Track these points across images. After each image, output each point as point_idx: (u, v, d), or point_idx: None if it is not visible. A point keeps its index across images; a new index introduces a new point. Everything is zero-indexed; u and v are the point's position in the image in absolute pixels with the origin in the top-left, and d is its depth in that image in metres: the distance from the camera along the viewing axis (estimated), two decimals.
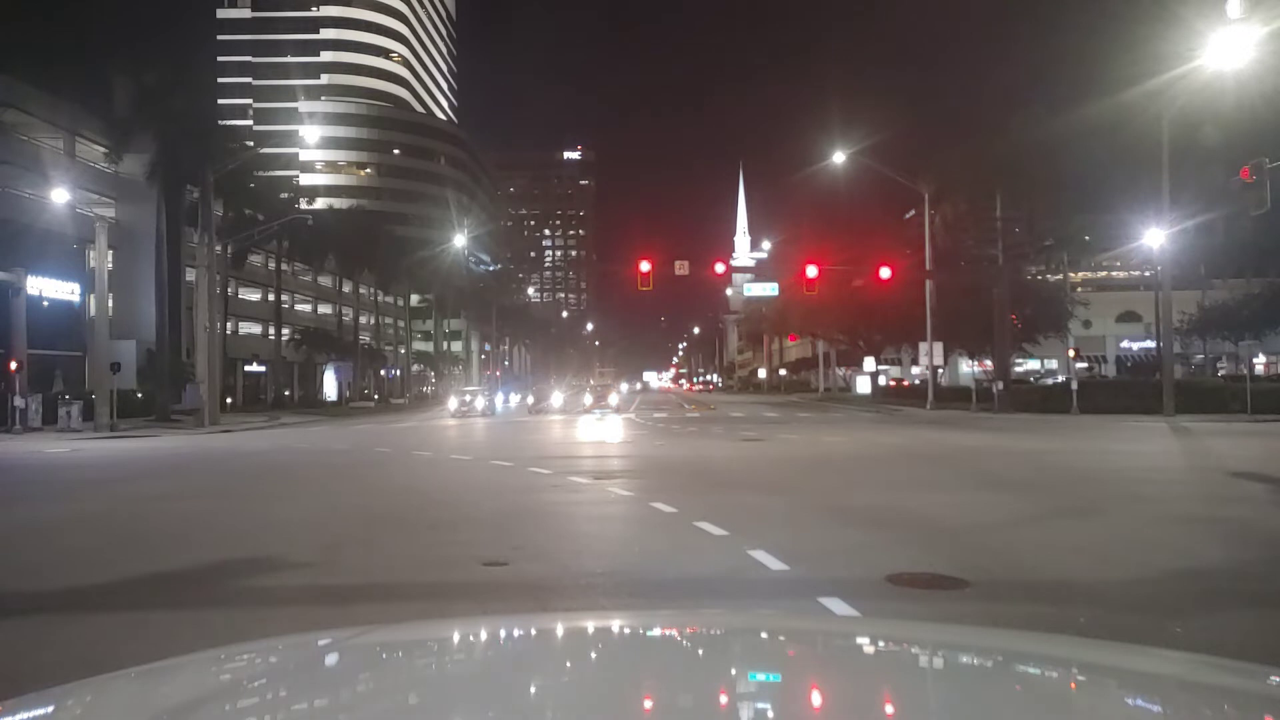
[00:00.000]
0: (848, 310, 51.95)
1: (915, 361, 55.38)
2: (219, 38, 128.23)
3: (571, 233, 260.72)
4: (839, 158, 41.08)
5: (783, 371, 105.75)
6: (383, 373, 78.23)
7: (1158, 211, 32.15)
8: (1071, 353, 42.55)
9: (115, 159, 39.14)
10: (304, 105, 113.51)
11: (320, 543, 8.80)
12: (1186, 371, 52.79)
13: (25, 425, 31.02)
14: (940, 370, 46.58)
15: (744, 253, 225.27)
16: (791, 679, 1.84)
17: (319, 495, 13.32)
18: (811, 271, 37.70)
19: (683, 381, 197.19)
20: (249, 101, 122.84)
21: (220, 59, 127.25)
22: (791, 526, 9.39)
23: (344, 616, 5.93)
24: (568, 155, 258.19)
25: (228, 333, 49.55)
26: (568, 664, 2.03)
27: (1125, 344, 66.52)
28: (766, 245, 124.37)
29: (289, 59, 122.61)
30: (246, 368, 58.44)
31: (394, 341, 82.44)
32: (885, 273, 37.77)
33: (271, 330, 58.36)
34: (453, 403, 47.58)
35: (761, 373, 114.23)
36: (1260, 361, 56.58)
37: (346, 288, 74.35)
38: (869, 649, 2.11)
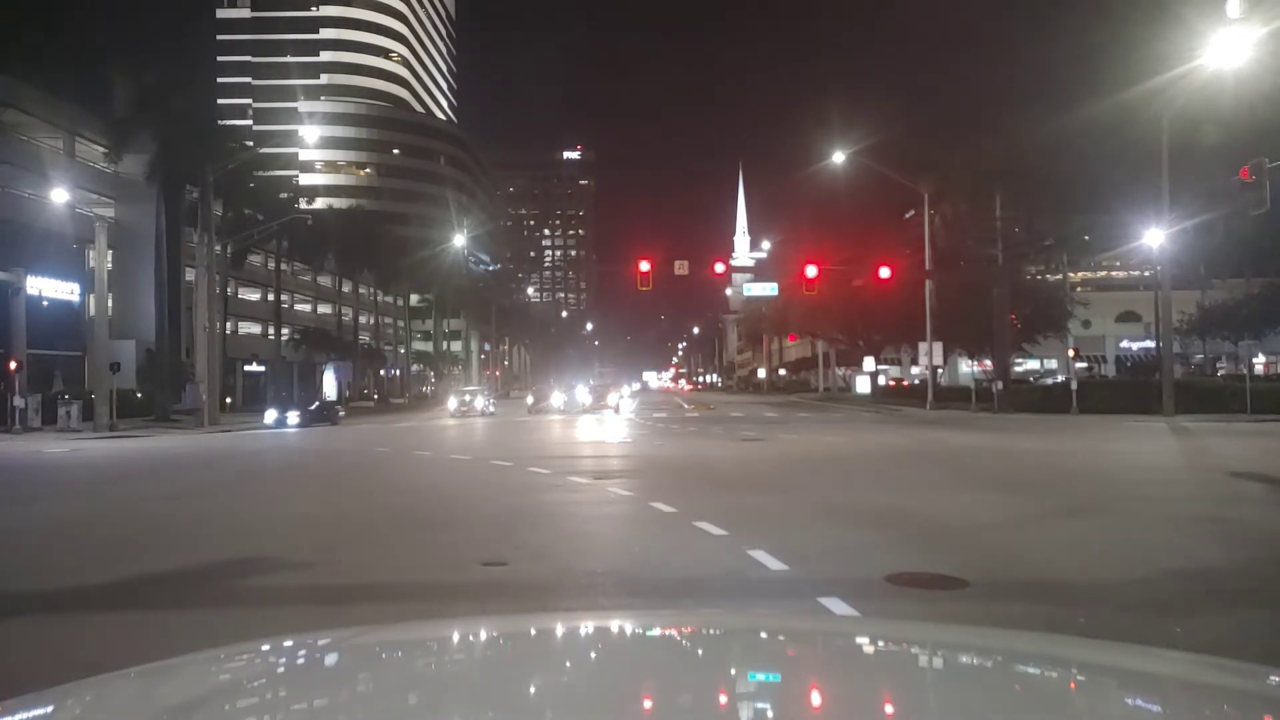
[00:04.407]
0: (847, 310, 51.95)
1: (915, 361, 55.36)
2: (219, 38, 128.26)
3: (571, 233, 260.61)
4: (839, 158, 41.08)
5: (782, 371, 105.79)
6: (382, 373, 78.22)
7: (1157, 211, 32.13)
8: (1071, 353, 42.53)
9: (115, 159, 39.14)
10: (304, 105, 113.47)
11: (320, 542, 8.79)
12: (1186, 371, 52.77)
13: (24, 425, 31.01)
14: (940, 370, 46.57)
15: (744, 253, 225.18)
16: (791, 679, 1.84)
17: (318, 495, 13.32)
18: (811, 271, 37.74)
19: (682, 381, 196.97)
20: (249, 101, 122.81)
21: (220, 59, 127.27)
22: (791, 526, 9.39)
23: (344, 616, 5.93)
24: (568, 155, 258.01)
25: (227, 333, 49.52)
26: (568, 664, 2.04)
27: (1125, 344, 66.51)
28: (766, 245, 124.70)
29: (289, 59, 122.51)
30: (246, 368, 58.41)
31: (394, 341, 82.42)
32: (885, 273, 37.82)
33: (271, 330, 58.33)
34: (452, 403, 47.58)
35: (761, 372, 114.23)
36: (1260, 361, 56.54)
37: (346, 288, 74.35)
38: (869, 649, 2.11)
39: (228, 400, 45.14)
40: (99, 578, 7.36)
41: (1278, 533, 9.17)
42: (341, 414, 40.66)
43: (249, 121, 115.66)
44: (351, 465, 18.56)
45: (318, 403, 43.69)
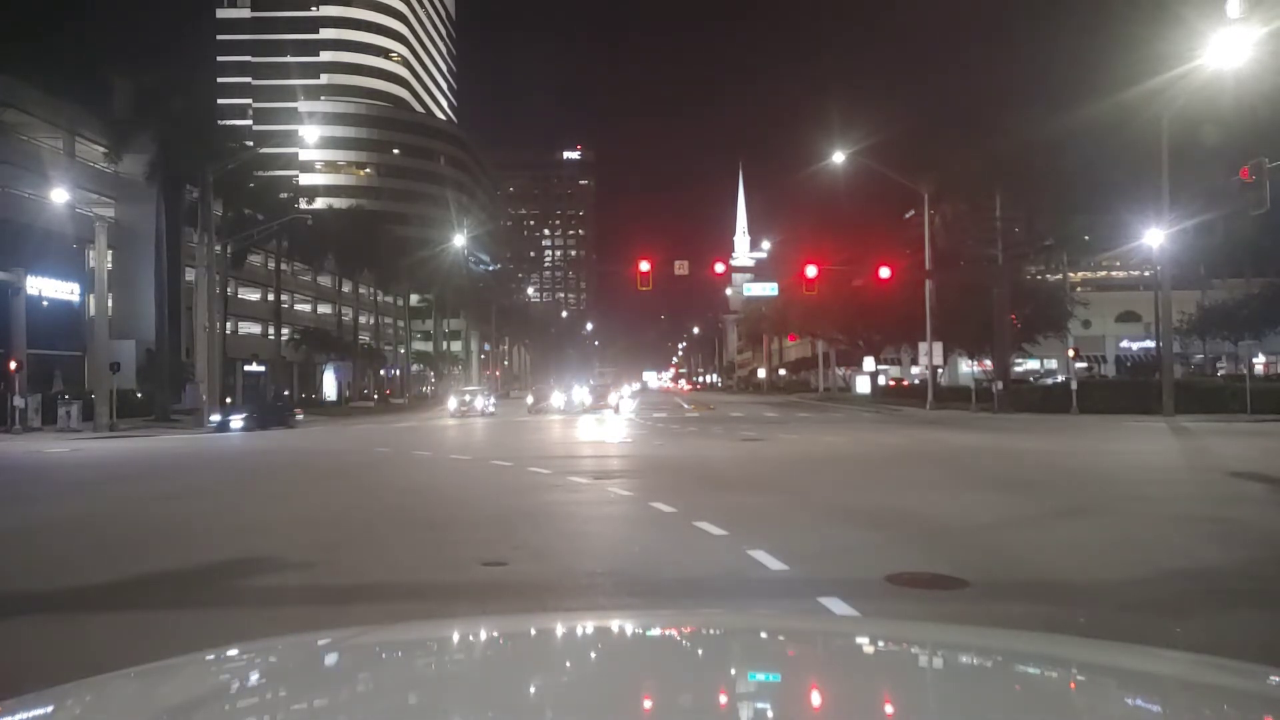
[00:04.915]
0: (847, 310, 51.96)
1: (915, 361, 55.37)
2: (219, 38, 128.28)
3: (571, 233, 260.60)
4: (839, 157, 41.10)
5: (782, 371, 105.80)
6: (382, 373, 78.20)
7: (1157, 211, 32.14)
8: (1071, 353, 42.54)
9: (115, 159, 39.15)
10: (304, 105, 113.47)
11: (319, 542, 8.80)
12: (1186, 371, 52.81)
13: (25, 425, 31.01)
14: (940, 370, 46.58)
15: (744, 252, 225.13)
16: (791, 679, 1.84)
17: (318, 495, 13.32)
18: (811, 271, 37.77)
19: (682, 381, 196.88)
20: (249, 101, 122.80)
21: (220, 59, 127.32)
22: (791, 526, 9.38)
23: (344, 616, 5.93)
24: (567, 155, 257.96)
25: (227, 333, 49.48)
26: (567, 664, 2.04)
27: (1125, 344, 66.53)
28: (766, 245, 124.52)
29: (289, 59, 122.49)
30: (246, 368, 58.35)
31: (394, 341, 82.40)
32: (885, 273, 37.84)
33: (271, 330, 58.35)
34: (452, 403, 47.57)
35: (761, 372, 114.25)
36: (1260, 361, 56.55)
37: (346, 288, 74.35)
38: (869, 649, 2.11)
39: (228, 400, 45.10)
40: (99, 578, 7.36)
41: (1278, 533, 9.17)
42: (299, 416, 38.15)
43: (249, 121, 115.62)
44: (352, 465, 18.56)
45: (271, 403, 42.31)
